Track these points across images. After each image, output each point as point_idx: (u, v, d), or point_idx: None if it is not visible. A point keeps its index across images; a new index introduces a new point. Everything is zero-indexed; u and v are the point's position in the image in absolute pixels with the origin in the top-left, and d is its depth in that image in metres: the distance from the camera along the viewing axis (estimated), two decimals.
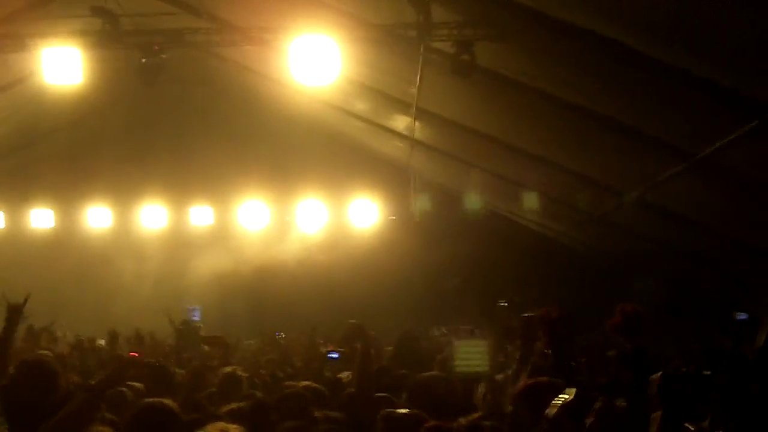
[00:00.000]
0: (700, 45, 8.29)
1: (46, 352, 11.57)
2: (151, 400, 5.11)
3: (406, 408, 5.27)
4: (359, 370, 6.09)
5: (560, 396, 3.95)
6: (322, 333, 13.80)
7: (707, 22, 7.82)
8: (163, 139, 20.28)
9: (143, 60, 12.10)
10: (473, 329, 10.42)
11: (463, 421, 4.59)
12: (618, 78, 9.94)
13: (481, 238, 20.01)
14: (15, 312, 6.26)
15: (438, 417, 4.93)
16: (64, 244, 20.51)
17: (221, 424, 4.77)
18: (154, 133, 20.52)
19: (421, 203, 20.27)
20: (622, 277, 16.46)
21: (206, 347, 9.47)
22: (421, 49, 11.57)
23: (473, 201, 19.85)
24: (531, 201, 17.29)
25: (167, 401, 5.12)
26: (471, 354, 7.48)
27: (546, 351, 5.99)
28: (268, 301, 20.00)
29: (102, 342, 14.74)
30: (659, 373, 3.87)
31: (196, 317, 18.07)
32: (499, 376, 6.57)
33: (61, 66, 11.82)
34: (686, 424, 3.52)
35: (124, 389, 6.57)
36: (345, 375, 7.92)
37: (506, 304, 10.40)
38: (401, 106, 14.69)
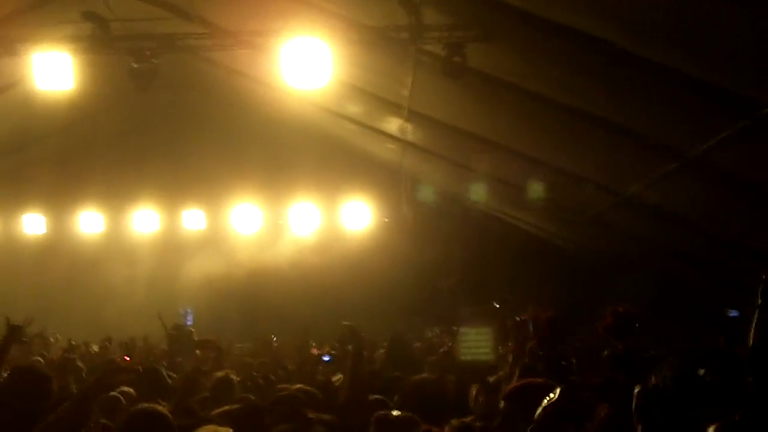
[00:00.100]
0: (692, 44, 8.31)
1: (38, 358, 11.58)
2: (142, 405, 5.10)
3: (398, 411, 5.26)
4: (351, 373, 6.09)
5: (549, 396, 3.97)
6: (316, 335, 13.78)
7: (699, 22, 7.83)
8: (155, 143, 20.27)
9: (134, 65, 12.09)
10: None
11: (455, 422, 4.59)
12: (610, 78, 9.96)
13: (474, 239, 20.06)
14: (14, 332, 6.24)
15: (431, 419, 4.93)
16: (55, 249, 20.47)
17: (212, 427, 4.76)
18: (145, 138, 20.50)
19: (414, 205, 20.29)
20: (614, 277, 16.46)
21: (199, 351, 9.45)
22: (413, 51, 11.59)
23: (466, 202, 19.88)
24: (523, 201, 17.31)
25: (159, 407, 5.11)
26: (476, 342, 7.51)
27: (538, 352, 6.00)
28: (261, 304, 19.98)
29: (96, 347, 14.74)
30: (637, 388, 3.88)
31: (189, 321, 18.04)
32: (491, 378, 6.57)
33: (52, 71, 11.80)
34: None
35: (119, 395, 6.56)
36: (337, 378, 7.91)
37: (499, 305, 10.39)
38: (393, 108, 14.69)
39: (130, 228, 20.56)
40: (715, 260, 14.14)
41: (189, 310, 18.84)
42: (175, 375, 8.54)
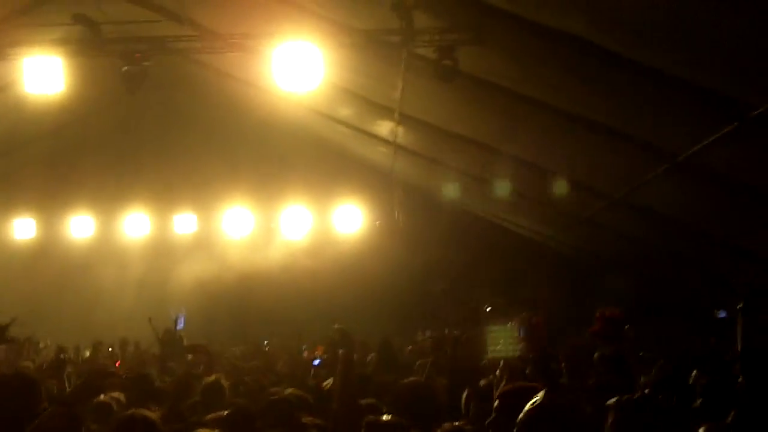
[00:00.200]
0: (682, 47, 8.33)
1: (28, 363, 11.54)
2: (131, 411, 5.08)
3: (389, 415, 5.25)
4: (342, 377, 6.07)
5: (534, 399, 3.97)
6: (307, 338, 13.79)
7: (689, 25, 7.85)
8: (146, 146, 20.22)
9: (125, 68, 12.06)
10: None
11: (447, 426, 4.58)
12: (600, 81, 9.98)
13: (466, 242, 20.06)
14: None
15: (422, 423, 4.92)
16: (46, 254, 20.39)
17: (203, 431, 4.75)
18: (136, 141, 20.45)
19: (405, 208, 20.28)
20: (606, 279, 16.50)
21: (190, 356, 9.45)
22: (404, 54, 11.59)
23: (457, 205, 19.89)
24: (515, 204, 17.33)
25: (148, 413, 5.09)
26: (503, 338, 7.50)
27: (528, 355, 6.00)
28: (253, 307, 19.97)
29: (87, 352, 14.72)
30: (614, 400, 3.89)
31: (181, 325, 18.01)
32: (483, 381, 6.56)
33: (43, 75, 11.75)
34: None
35: (110, 400, 6.53)
36: (328, 382, 7.90)
37: (491, 308, 10.40)
38: (385, 111, 14.69)
39: (121, 232, 20.48)
40: (706, 261, 14.19)
41: (180, 314, 18.79)
42: (167, 379, 8.54)
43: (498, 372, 5.93)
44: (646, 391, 6.08)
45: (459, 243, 20.04)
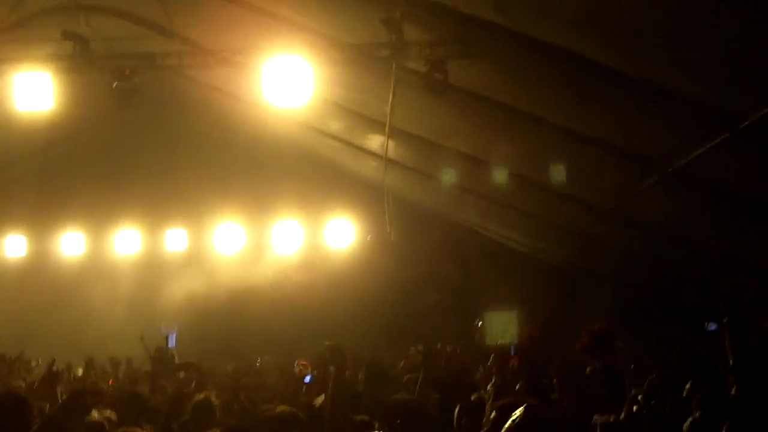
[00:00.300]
0: (672, 58, 8.34)
1: (20, 382, 11.45)
2: (122, 430, 5.03)
3: (381, 431, 5.22)
4: (333, 394, 6.03)
5: (513, 416, 3.93)
6: (299, 354, 13.71)
7: (679, 36, 7.86)
8: (136, 162, 20.19)
9: (115, 84, 12.03)
10: None
11: None
12: (591, 93, 9.98)
13: (458, 255, 20.06)
14: None
15: None
16: (36, 271, 20.28)
17: None
18: (127, 157, 20.41)
19: (397, 222, 20.25)
20: (598, 291, 16.50)
21: (182, 373, 9.39)
22: (394, 68, 11.59)
23: (449, 218, 19.90)
24: (507, 217, 17.34)
25: (140, 430, 5.04)
26: (501, 325, 7.45)
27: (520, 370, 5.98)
28: (245, 324, 19.90)
29: (80, 370, 14.61)
30: (601, 418, 3.86)
31: (172, 343, 17.93)
32: (473, 396, 6.53)
33: (32, 91, 11.71)
34: None
35: (102, 419, 6.47)
36: (319, 400, 7.85)
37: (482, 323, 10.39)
38: (375, 125, 14.69)
39: (111, 248, 20.38)
40: (698, 272, 14.19)
41: (172, 332, 18.70)
42: (159, 397, 8.48)
43: (490, 387, 5.90)
44: (635, 408, 6.06)
45: (451, 257, 20.04)
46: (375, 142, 16.06)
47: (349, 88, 13.74)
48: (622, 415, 4.05)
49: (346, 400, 6.18)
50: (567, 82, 9.94)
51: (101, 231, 20.36)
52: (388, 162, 16.65)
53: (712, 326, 14.33)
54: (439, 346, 13.39)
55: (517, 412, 3.91)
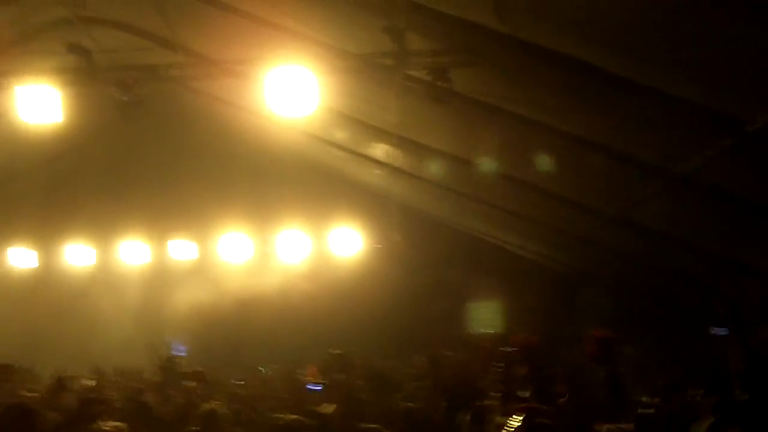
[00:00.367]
0: (676, 64, 8.34)
1: (30, 394, 11.47)
2: None
3: None
4: (342, 402, 6.04)
5: (510, 421, 3.95)
6: (306, 364, 13.72)
7: (683, 42, 7.87)
8: (141, 174, 20.23)
9: (119, 96, 12.07)
10: None
11: None
12: (595, 99, 9.99)
13: (464, 263, 20.05)
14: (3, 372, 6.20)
15: None
16: (44, 283, 20.33)
17: None
18: (132, 169, 20.45)
19: (403, 230, 20.25)
20: (603, 297, 16.48)
21: (189, 383, 9.41)
22: (398, 77, 11.61)
23: (456, 226, 19.90)
24: (512, 224, 17.33)
25: None
26: (485, 314, 7.44)
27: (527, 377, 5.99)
28: (251, 333, 19.89)
29: (88, 381, 14.63)
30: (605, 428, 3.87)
31: (179, 352, 17.96)
32: (479, 403, 6.54)
33: (37, 104, 11.77)
34: None
35: (112, 429, 6.48)
36: (325, 407, 7.86)
37: (490, 329, 10.38)
38: (380, 134, 14.71)
39: (118, 259, 20.46)
40: (704, 277, 14.16)
41: (179, 341, 18.73)
42: (166, 407, 8.50)
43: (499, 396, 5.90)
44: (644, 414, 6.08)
45: (458, 264, 20.03)
46: (380, 150, 16.08)
47: (352, 98, 13.76)
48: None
49: (354, 409, 6.19)
50: (570, 87, 9.95)
51: (107, 242, 20.42)
52: (394, 170, 16.68)
53: (719, 331, 14.31)
54: (445, 353, 13.38)
55: (518, 418, 3.92)
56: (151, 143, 19.86)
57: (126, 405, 8.97)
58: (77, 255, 20.44)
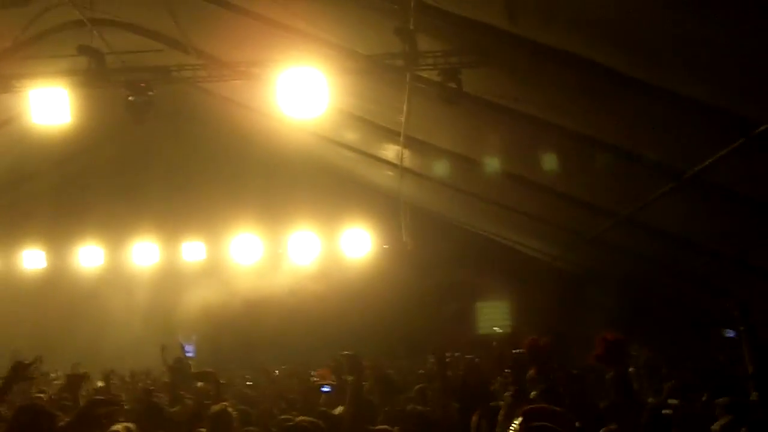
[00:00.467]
0: (686, 65, 8.33)
1: (40, 395, 11.49)
2: None
3: None
4: (352, 403, 6.04)
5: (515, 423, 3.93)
6: (317, 364, 13.72)
7: (694, 43, 7.85)
8: (152, 175, 20.29)
9: (130, 98, 12.10)
10: None
11: None
12: (606, 100, 9.97)
13: (475, 264, 20.04)
14: (20, 369, 6.19)
15: None
16: (55, 284, 20.42)
17: None
18: (143, 170, 20.52)
19: (414, 231, 20.27)
20: (614, 298, 16.44)
21: (199, 383, 9.40)
22: (408, 78, 11.62)
23: (466, 226, 19.88)
24: (523, 224, 17.31)
25: None
26: (493, 314, 7.44)
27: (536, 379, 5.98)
28: (261, 334, 19.93)
29: (100, 383, 14.67)
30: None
31: (190, 353, 17.97)
32: (492, 403, 6.53)
33: (49, 106, 11.81)
34: None
35: (123, 430, 6.49)
36: (337, 410, 7.86)
37: (501, 329, 10.37)
38: (390, 135, 14.71)
39: (129, 260, 20.53)
40: (715, 278, 14.12)
41: (190, 342, 18.75)
42: (177, 407, 8.52)
43: (508, 396, 5.88)
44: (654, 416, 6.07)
45: (469, 265, 20.02)
46: (390, 151, 16.09)
47: (363, 99, 13.77)
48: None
49: (365, 410, 6.18)
50: (581, 89, 9.94)
51: (118, 243, 20.50)
52: (404, 171, 16.67)
53: (730, 333, 14.26)
54: (456, 354, 13.36)
55: (516, 421, 3.92)
56: (162, 144, 19.93)
57: (136, 405, 8.99)
58: (88, 256, 20.53)
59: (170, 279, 20.48)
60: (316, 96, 11.29)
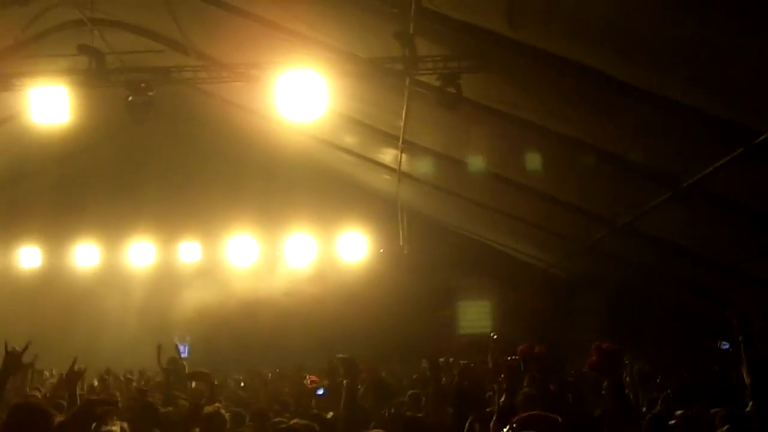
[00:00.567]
0: (687, 75, 8.34)
1: (35, 393, 11.47)
2: None
3: None
4: (347, 407, 6.02)
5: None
6: (311, 367, 13.72)
7: (693, 52, 7.86)
8: (150, 175, 20.29)
9: (130, 98, 12.09)
10: None
11: None
12: (605, 107, 9.98)
13: (471, 269, 20.04)
14: (13, 359, 6.17)
15: None
16: (51, 282, 20.39)
17: None
18: (141, 170, 20.52)
19: (411, 235, 20.27)
20: (611, 306, 16.45)
21: (193, 383, 9.39)
22: (407, 82, 11.62)
23: (463, 232, 19.88)
24: (519, 231, 17.31)
25: None
26: (474, 314, 7.43)
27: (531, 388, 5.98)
28: (257, 335, 19.91)
29: (95, 382, 14.65)
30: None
31: (185, 353, 17.97)
32: (488, 408, 6.52)
33: (49, 105, 11.80)
34: None
35: (117, 430, 6.48)
36: (330, 414, 7.85)
37: (496, 335, 10.34)
38: (389, 138, 14.71)
39: (125, 260, 20.51)
40: (712, 288, 14.14)
41: (184, 342, 18.73)
42: (171, 407, 8.50)
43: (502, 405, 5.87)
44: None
45: (465, 270, 20.02)
46: (388, 155, 16.10)
47: (362, 102, 13.77)
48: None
49: (359, 414, 6.17)
50: (580, 95, 9.94)
51: (115, 243, 20.49)
52: (402, 175, 16.68)
53: (725, 345, 14.29)
54: (450, 360, 13.35)
55: (506, 429, 3.92)
56: (161, 145, 19.94)
57: (131, 405, 8.97)
58: (85, 255, 20.51)
59: (167, 279, 20.46)
60: (315, 99, 11.29)
